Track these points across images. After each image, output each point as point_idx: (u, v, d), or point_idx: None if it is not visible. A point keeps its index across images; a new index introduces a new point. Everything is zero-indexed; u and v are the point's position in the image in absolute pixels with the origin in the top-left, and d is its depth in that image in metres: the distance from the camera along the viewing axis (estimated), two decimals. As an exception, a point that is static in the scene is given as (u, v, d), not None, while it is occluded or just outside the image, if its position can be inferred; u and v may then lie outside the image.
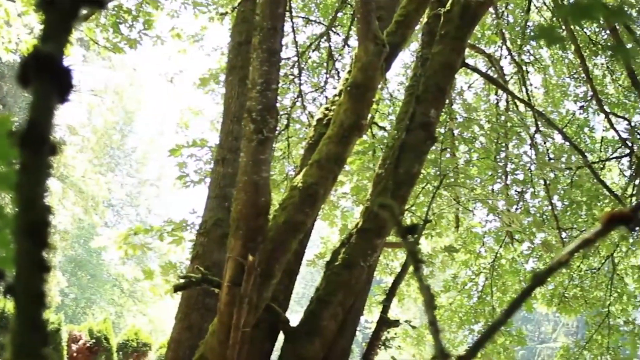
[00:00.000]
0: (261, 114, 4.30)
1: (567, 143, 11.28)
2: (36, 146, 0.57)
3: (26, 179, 0.57)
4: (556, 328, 56.45)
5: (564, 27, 11.33)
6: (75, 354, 21.68)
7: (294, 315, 6.43)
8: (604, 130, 13.36)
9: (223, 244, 5.74)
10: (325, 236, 14.13)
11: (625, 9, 8.48)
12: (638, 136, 11.45)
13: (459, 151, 11.75)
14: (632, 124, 12.04)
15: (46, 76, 0.59)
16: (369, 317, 12.76)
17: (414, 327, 10.33)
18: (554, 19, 12.20)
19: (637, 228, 11.01)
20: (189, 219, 8.00)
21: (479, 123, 10.33)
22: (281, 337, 5.85)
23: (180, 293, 6.16)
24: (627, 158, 12.07)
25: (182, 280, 5.20)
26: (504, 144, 11.78)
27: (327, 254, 9.73)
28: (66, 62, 0.59)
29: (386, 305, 6.99)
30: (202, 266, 5.31)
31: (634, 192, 11.57)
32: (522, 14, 13.08)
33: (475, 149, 10.98)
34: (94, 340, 21.91)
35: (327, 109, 6.78)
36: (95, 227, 43.93)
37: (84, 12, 0.62)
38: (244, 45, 6.78)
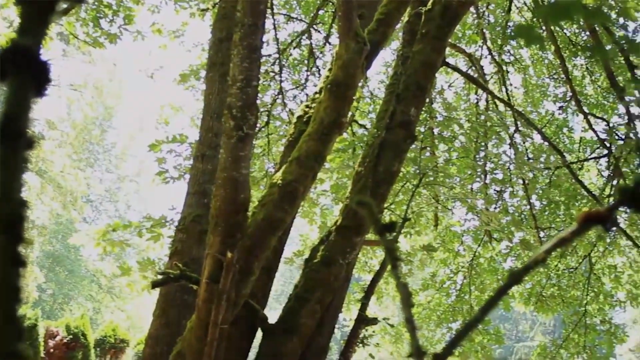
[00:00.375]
0: (241, 110, 4.29)
1: (546, 143, 11.35)
2: (12, 140, 0.57)
3: (2, 173, 0.56)
4: (533, 327, 56.81)
5: (544, 27, 11.39)
6: (52, 350, 21.54)
7: (273, 312, 6.43)
8: (582, 130, 13.45)
9: (202, 241, 5.73)
10: (304, 234, 14.14)
11: (605, 10, 8.54)
12: (616, 137, 11.53)
13: (439, 150, 11.78)
14: (611, 124, 12.12)
15: (23, 69, 0.58)
16: (347, 315, 12.78)
17: (392, 326, 10.37)
18: (535, 19, 12.25)
19: (613, 228, 11.09)
20: (168, 215, 7.97)
21: (458, 122, 10.37)
22: (259, 334, 5.85)
23: (158, 289, 6.14)
24: (605, 159, 12.16)
25: (160, 277, 5.18)
26: (483, 143, 11.83)
27: (306, 251, 9.74)
28: (44, 55, 0.59)
29: (364, 303, 7.01)
30: (180, 262, 5.30)
31: (612, 193, 11.65)
32: (503, 14, 13.13)
33: (454, 148, 11.02)
34: (71, 336, 21.80)
35: (307, 106, 6.77)
36: (73, 222, 43.71)
37: (64, 5, 0.61)
38: (225, 41, 6.76)
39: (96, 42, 11.11)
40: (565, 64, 12.00)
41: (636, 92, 10.67)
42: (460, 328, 0.82)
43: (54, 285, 47.20)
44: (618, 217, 11.97)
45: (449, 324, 13.95)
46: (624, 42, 10.53)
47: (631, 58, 10.35)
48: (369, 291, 7.22)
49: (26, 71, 0.59)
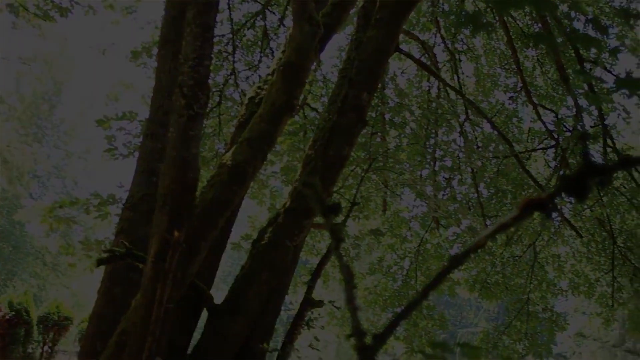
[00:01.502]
0: (192, 89, 4.27)
1: (496, 132, 11.47)
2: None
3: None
4: (477, 313, 57.54)
5: (497, 17, 11.49)
6: (-7, 326, 21.24)
7: (220, 293, 6.42)
8: (531, 121, 13.61)
9: (149, 219, 5.68)
10: (253, 215, 14.11)
11: (555, 2, 8.64)
12: (564, 128, 11.70)
13: (389, 136, 11.84)
14: (559, 116, 12.29)
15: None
16: (294, 297, 12.81)
17: (338, 308, 10.42)
18: (488, 8, 12.34)
19: (557, 217, 11.26)
20: (117, 193, 7.88)
21: (410, 109, 10.43)
22: (205, 314, 5.85)
23: (103, 267, 6.08)
24: (553, 149, 12.33)
25: (105, 254, 5.14)
26: (433, 131, 11.92)
27: (254, 234, 9.75)
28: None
29: (311, 285, 7.04)
30: (127, 241, 5.26)
31: (558, 183, 11.82)
32: (458, 2, 13.20)
33: (405, 134, 11.08)
34: (13, 313, 21.50)
35: (259, 87, 6.77)
36: (19, 198, 43.08)
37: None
38: (178, 19, 6.69)
39: (47, 15, 10.91)
40: (516, 54, 12.12)
41: (585, 84, 10.83)
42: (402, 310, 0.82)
43: (-2, 261, 46.51)
44: (563, 207, 12.16)
45: (395, 309, 14.06)
46: (572, 34, 10.66)
47: (581, 51, 10.49)
48: (316, 274, 7.25)
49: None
